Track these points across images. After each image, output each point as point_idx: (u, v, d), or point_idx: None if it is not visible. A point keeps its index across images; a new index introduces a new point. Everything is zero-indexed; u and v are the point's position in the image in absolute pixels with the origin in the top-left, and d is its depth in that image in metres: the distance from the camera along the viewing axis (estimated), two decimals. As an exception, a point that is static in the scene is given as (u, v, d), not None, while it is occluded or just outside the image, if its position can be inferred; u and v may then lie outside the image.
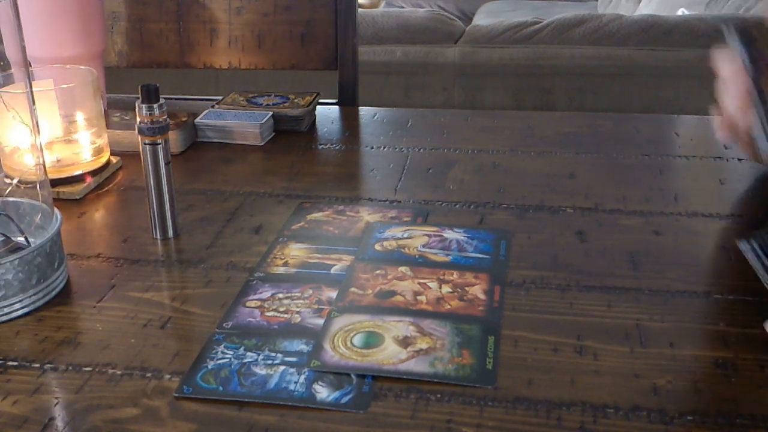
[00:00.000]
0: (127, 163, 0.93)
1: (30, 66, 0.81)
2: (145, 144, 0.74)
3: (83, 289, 0.68)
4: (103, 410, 0.54)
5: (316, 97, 1.09)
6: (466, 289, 0.66)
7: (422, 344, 0.59)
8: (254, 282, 0.68)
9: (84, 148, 0.89)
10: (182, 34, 1.20)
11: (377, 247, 0.74)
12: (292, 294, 0.66)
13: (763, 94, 0.60)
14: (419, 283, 0.67)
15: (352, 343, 0.60)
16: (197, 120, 1.01)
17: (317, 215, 0.80)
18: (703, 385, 0.55)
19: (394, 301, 0.65)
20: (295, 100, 1.07)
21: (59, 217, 0.69)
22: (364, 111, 1.14)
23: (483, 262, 0.71)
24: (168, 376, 0.57)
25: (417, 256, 0.72)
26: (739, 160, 0.92)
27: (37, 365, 0.58)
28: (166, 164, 0.75)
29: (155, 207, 0.76)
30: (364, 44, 2.10)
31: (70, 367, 0.58)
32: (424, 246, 0.73)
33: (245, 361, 0.58)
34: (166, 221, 0.76)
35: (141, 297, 0.67)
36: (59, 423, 0.53)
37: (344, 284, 0.67)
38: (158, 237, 0.76)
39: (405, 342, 0.60)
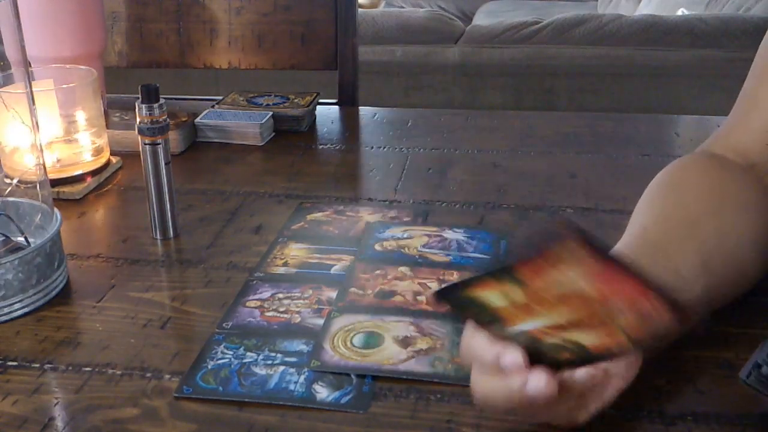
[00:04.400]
0: (127, 163, 0.93)
1: (30, 66, 0.81)
2: (145, 144, 0.74)
3: (83, 289, 0.68)
4: (103, 410, 0.54)
5: (316, 97, 1.09)
6: (466, 289, 0.66)
7: (422, 344, 0.59)
8: (254, 282, 0.68)
9: (84, 148, 0.89)
10: (182, 34, 1.20)
11: (377, 247, 0.74)
12: (292, 294, 0.66)
13: None
14: (419, 283, 0.67)
15: (352, 343, 0.59)
16: (197, 120, 1.01)
17: (317, 215, 0.80)
18: (703, 385, 0.55)
19: (394, 301, 0.65)
20: (295, 100, 1.07)
21: (59, 217, 0.69)
22: (364, 111, 1.14)
23: (483, 262, 0.71)
24: (168, 376, 0.57)
25: (417, 256, 0.72)
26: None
27: (37, 365, 0.58)
28: (166, 164, 0.75)
29: (155, 207, 0.76)
30: (364, 44, 2.10)
31: (70, 367, 0.58)
32: (424, 246, 0.73)
33: (245, 361, 0.58)
34: (166, 221, 0.76)
35: (141, 297, 0.67)
36: (59, 423, 0.53)
37: (344, 284, 0.67)
38: (158, 237, 0.76)
39: (405, 342, 0.59)
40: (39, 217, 0.70)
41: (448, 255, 0.72)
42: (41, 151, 0.70)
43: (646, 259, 0.49)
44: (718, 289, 0.57)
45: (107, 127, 0.93)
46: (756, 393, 0.52)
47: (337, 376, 0.56)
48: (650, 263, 0.47)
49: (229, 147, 0.99)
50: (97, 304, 0.66)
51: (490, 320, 0.46)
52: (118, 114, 1.03)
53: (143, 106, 0.73)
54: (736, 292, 0.60)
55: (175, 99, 1.11)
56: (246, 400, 0.54)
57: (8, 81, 0.78)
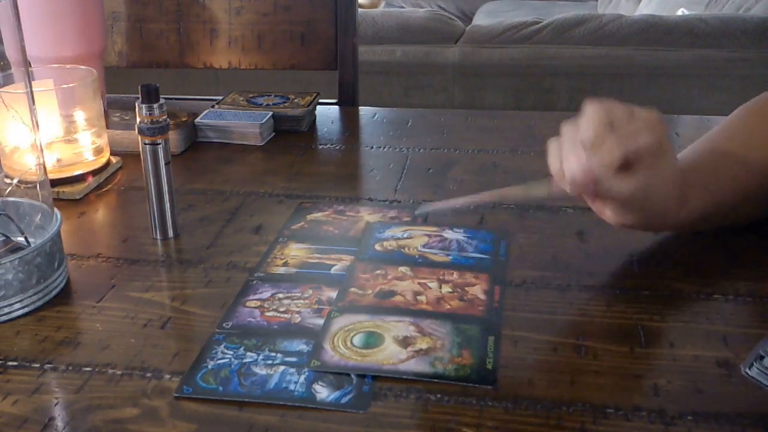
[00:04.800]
0: (127, 163, 0.93)
1: (30, 66, 0.81)
2: (145, 144, 0.74)
3: (83, 289, 0.68)
4: (103, 410, 0.54)
5: (316, 97, 1.09)
6: (466, 289, 0.66)
7: (422, 344, 0.59)
8: (254, 282, 0.68)
9: (84, 148, 0.89)
10: (182, 34, 1.20)
11: (377, 247, 0.74)
12: (292, 294, 0.66)
13: None
14: (419, 283, 0.67)
15: (352, 343, 0.60)
16: (197, 120, 1.01)
17: (317, 215, 0.80)
18: (703, 385, 0.55)
19: (394, 301, 0.65)
20: (295, 100, 1.07)
21: (59, 217, 0.69)
22: (364, 111, 1.14)
23: (483, 262, 0.71)
24: (168, 376, 0.57)
25: (417, 256, 0.72)
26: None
27: (37, 365, 0.58)
28: (166, 164, 0.75)
29: (155, 207, 0.76)
30: (364, 44, 2.10)
31: (70, 367, 0.58)
32: (424, 246, 0.73)
33: (245, 361, 0.58)
34: (166, 221, 0.76)
35: (141, 297, 0.67)
36: (59, 423, 0.53)
37: (344, 284, 0.67)
38: (158, 237, 0.76)
39: (405, 342, 0.60)
40: (39, 217, 0.70)
41: (448, 255, 0.72)
42: (41, 151, 0.70)
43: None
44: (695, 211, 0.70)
45: (107, 127, 0.93)
46: (757, 384, 0.52)
47: (337, 376, 0.56)
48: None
49: (229, 147, 0.99)
50: (97, 304, 0.66)
51: None
52: (118, 114, 1.03)
53: (143, 106, 0.73)
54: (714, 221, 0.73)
55: (175, 99, 1.11)
56: (246, 400, 0.54)
57: (8, 81, 0.78)
